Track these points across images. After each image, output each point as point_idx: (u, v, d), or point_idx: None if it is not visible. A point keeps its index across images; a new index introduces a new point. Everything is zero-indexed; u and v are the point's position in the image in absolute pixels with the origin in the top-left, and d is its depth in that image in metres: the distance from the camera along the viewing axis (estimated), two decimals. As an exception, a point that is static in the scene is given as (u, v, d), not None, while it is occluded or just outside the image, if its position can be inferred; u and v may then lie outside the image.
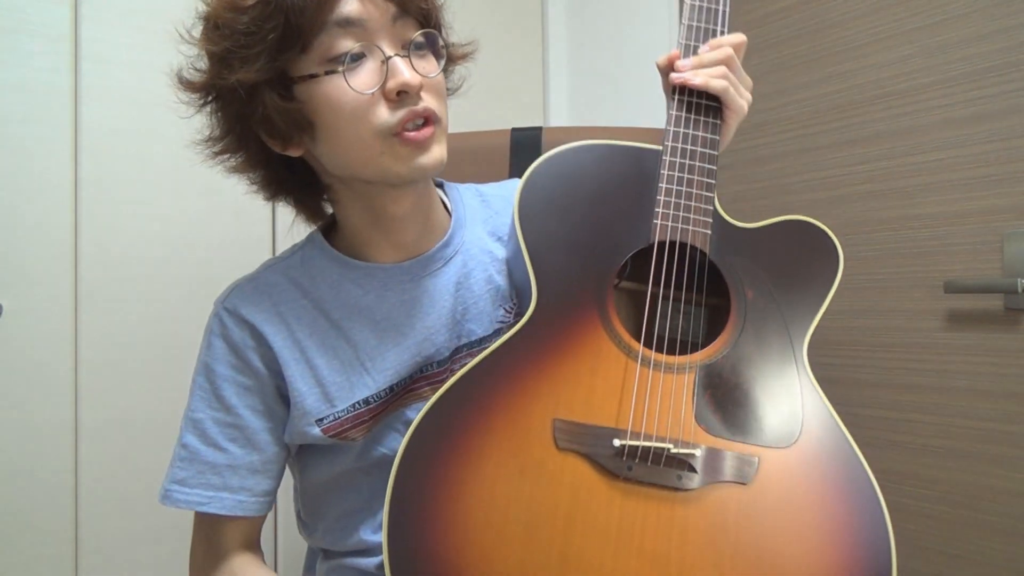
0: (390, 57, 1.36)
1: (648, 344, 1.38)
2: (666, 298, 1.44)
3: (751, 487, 1.26)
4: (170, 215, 2.45)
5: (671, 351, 1.38)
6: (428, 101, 1.39)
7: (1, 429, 2.19)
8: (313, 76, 1.36)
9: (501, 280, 1.61)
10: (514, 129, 2.18)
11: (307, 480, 1.64)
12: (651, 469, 1.26)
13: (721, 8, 1.52)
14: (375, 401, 1.51)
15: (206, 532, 1.54)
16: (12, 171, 2.21)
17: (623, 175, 1.47)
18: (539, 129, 2.18)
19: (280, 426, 1.53)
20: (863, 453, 1.30)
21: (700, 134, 1.46)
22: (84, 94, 2.32)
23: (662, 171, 1.44)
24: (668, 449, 1.26)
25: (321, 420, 1.49)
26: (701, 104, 1.47)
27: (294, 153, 1.46)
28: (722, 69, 1.46)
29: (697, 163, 1.44)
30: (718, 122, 1.48)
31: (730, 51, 1.48)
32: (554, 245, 1.43)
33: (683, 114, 1.47)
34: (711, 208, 1.43)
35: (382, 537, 1.23)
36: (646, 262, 1.42)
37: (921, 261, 2.33)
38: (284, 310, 1.51)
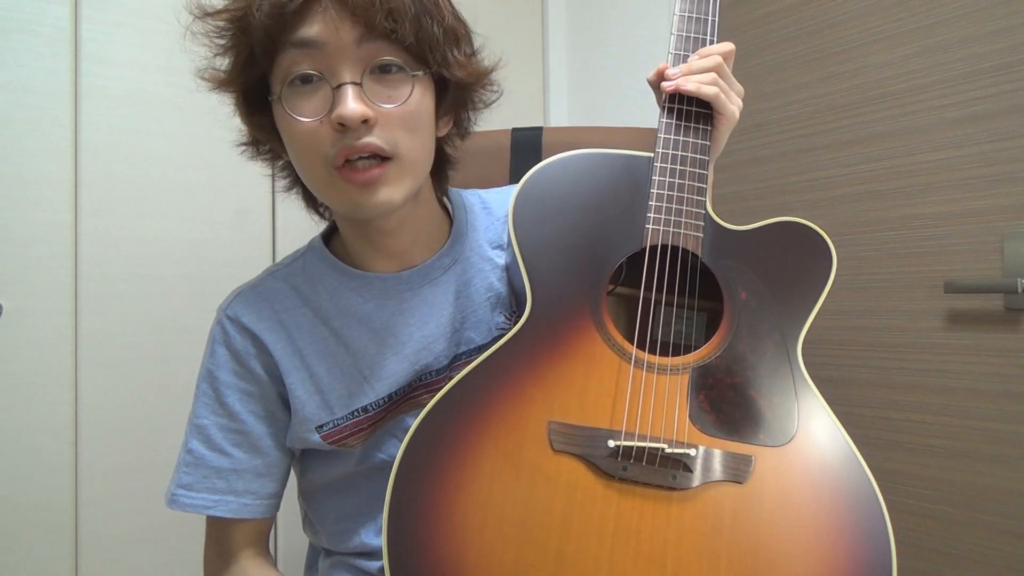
0: (340, 85, 1.30)
1: (641, 347, 1.37)
2: (659, 301, 1.44)
3: (747, 486, 1.26)
4: (170, 215, 2.45)
5: (665, 353, 1.38)
6: (379, 135, 1.32)
7: (1, 429, 2.19)
8: (277, 94, 1.35)
9: (502, 287, 1.60)
10: (514, 129, 2.19)
11: (308, 482, 1.65)
12: (646, 469, 1.26)
13: (710, 18, 1.52)
14: (374, 409, 1.51)
15: (216, 535, 1.56)
16: (12, 171, 2.21)
17: (615, 182, 1.47)
18: (539, 129, 2.18)
19: (283, 431, 1.55)
20: (863, 453, 1.30)
21: (691, 140, 1.46)
22: (84, 94, 2.32)
23: (653, 177, 1.44)
24: (663, 449, 1.26)
25: (321, 427, 1.51)
26: (692, 111, 1.47)
27: (286, 158, 1.47)
28: (712, 76, 1.45)
29: (688, 168, 1.45)
30: (709, 128, 1.48)
31: (719, 59, 1.47)
32: (548, 251, 1.43)
33: (674, 121, 1.47)
34: (703, 212, 1.43)
35: (382, 541, 1.22)
36: (640, 267, 1.42)
37: (921, 261, 2.33)
38: (285, 318, 1.52)
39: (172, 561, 2.42)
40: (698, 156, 1.45)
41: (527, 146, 2.14)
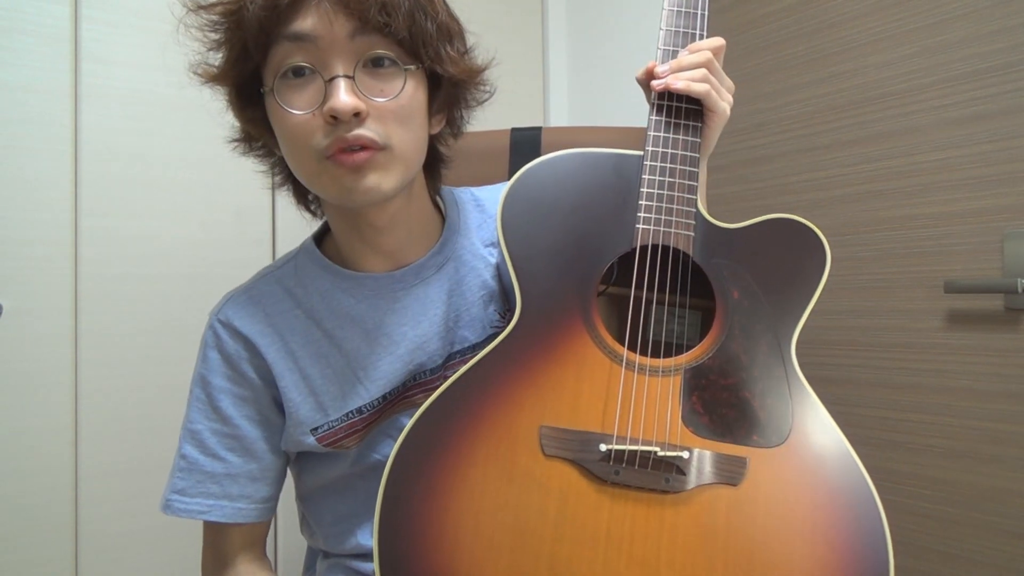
0: (333, 78, 1.30)
1: (633, 348, 1.36)
2: (651, 301, 1.42)
3: (740, 488, 1.25)
4: (170, 215, 2.45)
5: (657, 355, 1.36)
6: (369, 128, 1.32)
7: (1, 429, 2.19)
8: (270, 87, 1.34)
9: (495, 284, 1.59)
10: (514, 129, 2.18)
11: (305, 485, 1.65)
12: (639, 473, 1.25)
13: (699, 12, 1.51)
14: (368, 410, 1.51)
15: (212, 540, 1.56)
16: (12, 171, 2.21)
17: (605, 181, 1.45)
18: (539, 129, 2.17)
19: (277, 434, 1.54)
20: (862, 453, 1.29)
21: (681, 138, 1.44)
22: (84, 94, 2.32)
23: (643, 176, 1.42)
24: (655, 452, 1.25)
25: (316, 429, 1.50)
26: (682, 109, 1.46)
27: (279, 153, 1.46)
28: (702, 72, 1.43)
29: (678, 167, 1.43)
30: (699, 126, 1.46)
31: (709, 54, 1.45)
32: (537, 253, 1.41)
33: (664, 119, 1.46)
34: (693, 210, 1.42)
35: (373, 549, 1.22)
36: (631, 267, 1.41)
37: (921, 261, 2.32)
38: (278, 321, 1.51)
39: (172, 561, 2.42)
40: (689, 154, 1.44)
41: (526, 146, 2.13)
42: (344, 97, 1.28)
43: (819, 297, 1.40)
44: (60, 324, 2.28)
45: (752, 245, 1.43)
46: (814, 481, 1.27)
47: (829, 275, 1.41)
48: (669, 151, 1.43)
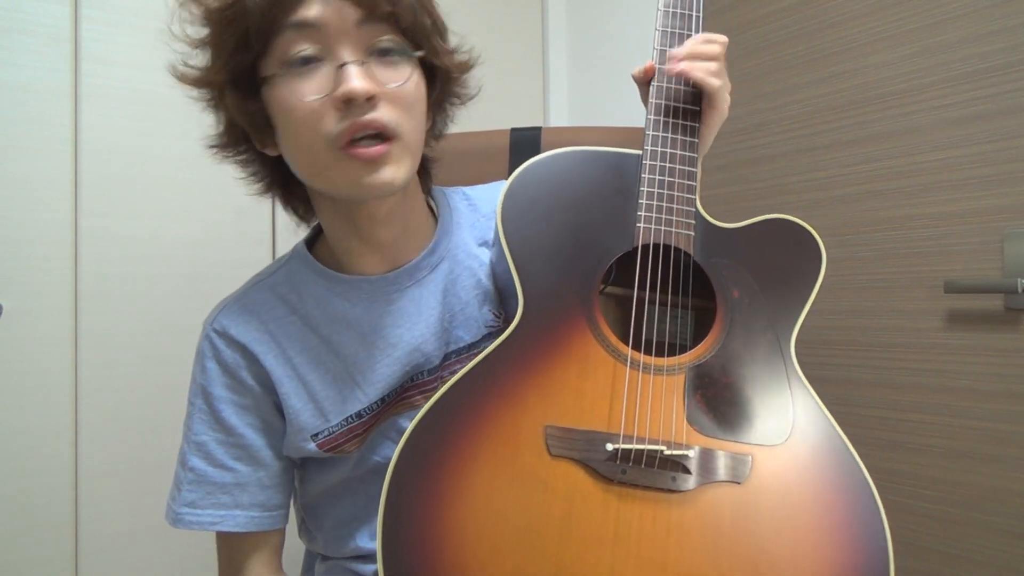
0: (344, 64, 1.29)
1: (636, 347, 1.36)
2: (652, 301, 1.42)
3: (745, 486, 1.25)
4: (170, 215, 2.44)
5: (660, 353, 1.36)
6: (383, 113, 1.31)
7: (1, 429, 2.18)
8: (273, 77, 1.32)
9: (489, 284, 1.58)
10: (513, 129, 2.17)
11: (305, 489, 1.64)
12: (645, 472, 1.24)
13: (695, 14, 1.50)
14: (367, 414, 1.50)
15: (227, 552, 1.54)
16: (12, 171, 2.21)
17: (605, 180, 1.45)
18: (538, 129, 2.16)
19: (281, 440, 1.53)
20: (863, 453, 1.29)
21: (679, 137, 1.44)
22: (84, 94, 2.31)
23: (643, 175, 1.42)
24: (661, 451, 1.24)
25: (316, 435, 1.49)
26: (679, 108, 1.45)
27: (271, 152, 1.44)
28: (718, 66, 1.43)
29: (677, 166, 1.43)
30: (696, 126, 1.46)
31: (721, 49, 1.45)
32: (539, 251, 1.40)
33: (661, 118, 1.45)
34: (693, 210, 1.42)
35: (377, 552, 1.20)
36: (631, 266, 1.41)
37: (921, 261, 2.32)
38: (273, 328, 1.49)
39: (172, 561, 2.41)
40: (687, 154, 1.44)
41: (526, 146, 2.12)
42: (358, 80, 1.27)
43: (817, 296, 1.40)
44: (60, 324, 2.27)
45: (750, 245, 1.43)
46: (816, 478, 1.27)
47: (828, 275, 1.43)
48: (668, 150, 1.43)
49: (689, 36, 1.48)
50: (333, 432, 1.49)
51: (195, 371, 1.51)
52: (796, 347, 1.36)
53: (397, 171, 1.34)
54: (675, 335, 1.47)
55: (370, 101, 1.29)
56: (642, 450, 1.25)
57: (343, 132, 1.29)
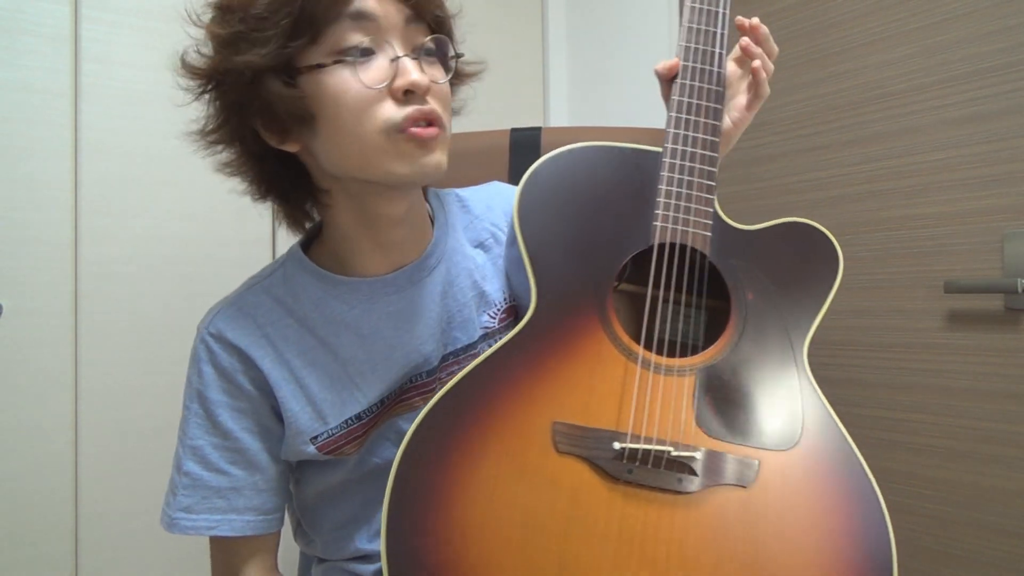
0: (400, 56, 1.33)
1: (648, 347, 1.35)
2: (666, 300, 1.41)
3: (751, 490, 1.24)
4: (170, 215, 2.44)
5: (671, 353, 1.35)
6: (434, 105, 1.35)
7: (1, 429, 2.17)
8: (320, 66, 1.32)
9: (485, 286, 1.58)
10: (513, 130, 2.17)
11: (302, 492, 1.63)
12: (651, 472, 1.23)
13: (721, 10, 1.50)
14: (367, 416, 1.50)
15: (223, 556, 1.54)
16: (12, 171, 2.20)
17: (623, 177, 1.44)
18: (538, 129, 2.16)
19: (278, 444, 1.52)
20: (863, 453, 1.28)
21: (700, 136, 1.44)
22: (84, 94, 2.30)
23: (662, 173, 1.42)
24: (669, 452, 1.24)
25: (315, 438, 1.48)
26: (703, 106, 1.45)
27: (291, 148, 1.41)
28: (771, 68, 1.49)
29: (697, 165, 1.42)
30: (718, 124, 1.46)
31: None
32: (554, 247, 1.40)
33: (684, 116, 1.45)
34: (711, 210, 1.41)
35: (380, 544, 1.20)
36: (646, 264, 1.40)
37: (921, 261, 2.32)
38: (270, 331, 1.48)
39: (172, 561, 2.40)
40: (708, 153, 1.43)
41: (526, 146, 2.12)
42: (419, 73, 1.33)
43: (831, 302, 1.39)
44: (60, 324, 2.26)
45: (767, 247, 1.43)
46: (822, 485, 1.26)
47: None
48: (688, 149, 1.43)
49: (715, 33, 1.49)
50: (332, 434, 1.48)
51: (190, 375, 1.50)
52: (808, 352, 1.36)
53: (443, 157, 1.39)
54: (688, 335, 1.46)
55: (426, 94, 1.34)
56: (649, 450, 1.24)
57: (406, 118, 1.32)
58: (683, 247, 1.40)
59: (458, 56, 1.44)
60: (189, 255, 2.46)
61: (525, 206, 1.42)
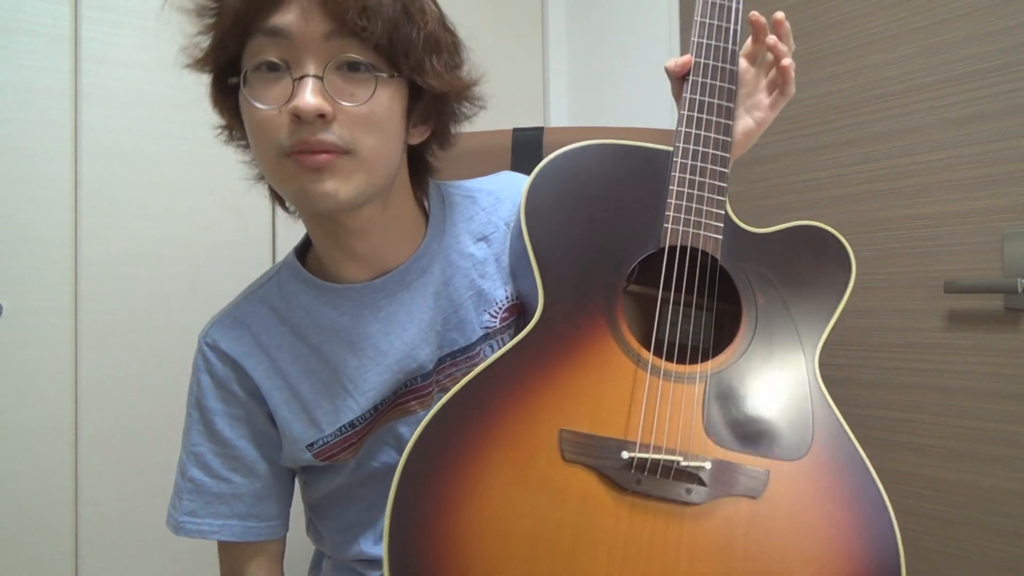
0: (300, 77, 1.22)
1: (657, 349, 1.31)
2: (676, 305, 1.37)
3: (761, 501, 1.21)
4: (170, 215, 2.41)
5: (681, 358, 1.31)
6: (336, 132, 1.24)
7: (1, 429, 2.16)
8: (243, 78, 1.28)
9: (484, 284, 1.52)
10: (516, 129, 2.15)
11: (309, 493, 1.63)
12: (660, 482, 1.20)
13: (735, 5, 1.45)
14: (360, 423, 1.47)
15: (227, 561, 1.55)
16: (12, 171, 2.18)
17: (633, 176, 1.39)
18: (540, 130, 2.14)
19: (276, 451, 1.52)
20: (862, 453, 1.24)
21: (712, 135, 1.39)
22: (84, 94, 2.28)
23: (673, 173, 1.37)
24: (678, 462, 1.20)
25: (311, 445, 1.47)
26: (715, 105, 1.40)
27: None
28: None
29: (709, 165, 1.37)
30: (731, 123, 1.41)
31: None
32: (562, 248, 1.35)
33: (695, 115, 1.40)
34: (723, 212, 1.36)
35: (383, 552, 1.17)
36: (655, 265, 1.36)
37: (921, 261, 2.29)
38: (265, 340, 1.47)
39: (172, 561, 2.39)
40: (720, 153, 1.38)
41: (528, 146, 2.09)
42: (309, 97, 1.21)
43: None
44: (60, 324, 2.25)
45: (779, 251, 1.38)
46: (832, 497, 1.23)
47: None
48: (701, 149, 1.38)
49: (728, 28, 1.44)
50: (327, 442, 1.46)
51: (191, 383, 1.51)
52: (820, 359, 1.32)
53: (340, 185, 1.27)
54: (697, 341, 1.42)
55: (323, 119, 1.23)
56: (658, 460, 1.21)
57: (291, 146, 1.24)
58: (693, 250, 1.35)
59: (394, 75, 1.30)
60: (189, 255, 2.44)
61: (532, 204, 1.37)
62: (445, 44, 1.37)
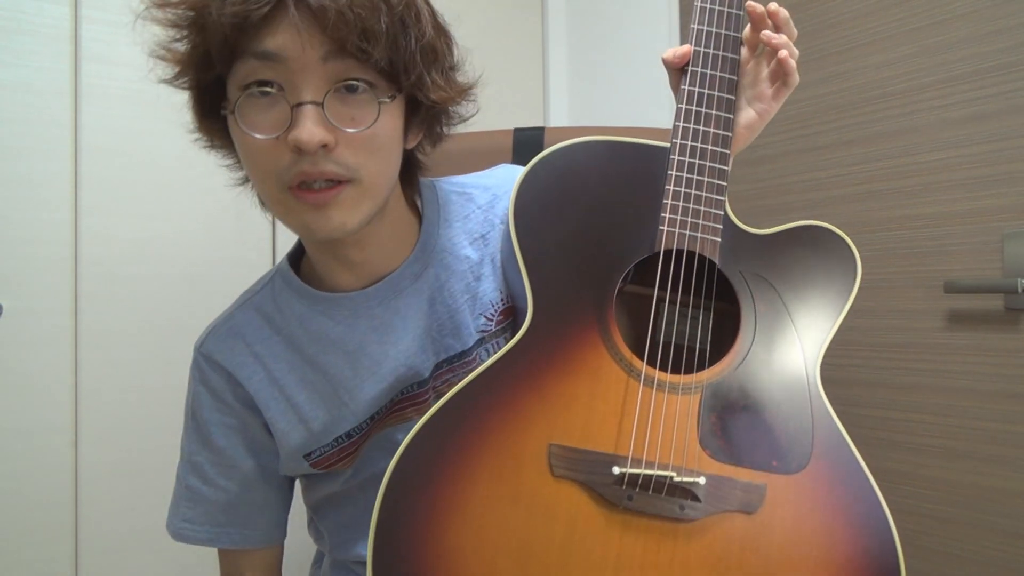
0: (299, 104, 1.14)
1: (652, 358, 1.23)
2: (671, 312, 1.29)
3: (757, 516, 1.13)
4: (170, 215, 2.38)
5: (676, 368, 1.23)
6: (337, 160, 1.17)
7: (1, 429, 2.13)
8: (233, 100, 1.19)
9: (480, 286, 1.45)
10: (517, 129, 2.09)
11: (310, 496, 1.60)
12: (652, 499, 1.13)
13: None
14: (357, 433, 1.43)
15: (227, 566, 1.55)
16: (12, 171, 2.14)
17: (628, 175, 1.29)
18: (541, 129, 2.08)
19: (274, 460, 1.48)
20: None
21: (712, 131, 1.28)
22: (84, 94, 2.24)
23: (670, 172, 1.27)
24: (671, 477, 1.13)
25: (309, 455, 1.44)
26: (715, 97, 1.30)
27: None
28: (795, 51, 1.31)
29: (708, 163, 1.27)
30: (731, 117, 1.30)
31: None
32: (552, 252, 1.26)
33: (694, 108, 1.30)
34: (722, 213, 1.26)
35: (367, 569, 1.13)
36: (650, 266, 1.27)
37: (921, 261, 2.25)
38: (259, 350, 1.42)
39: (172, 561, 2.35)
40: (719, 149, 1.28)
41: (530, 146, 2.04)
42: (311, 128, 1.13)
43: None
44: (60, 324, 2.21)
45: (781, 254, 1.29)
46: (832, 512, 1.16)
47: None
48: (699, 145, 1.27)
49: (732, 14, 1.33)
50: (325, 452, 1.43)
51: (188, 392, 1.49)
52: (821, 368, 1.24)
53: (348, 215, 1.21)
54: (694, 349, 1.33)
55: (325, 148, 1.15)
56: (650, 475, 1.13)
57: (292, 177, 1.16)
58: (690, 254, 1.26)
59: (396, 95, 1.23)
60: (189, 255, 2.41)
61: (522, 204, 1.28)
62: (442, 51, 1.29)
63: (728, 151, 1.28)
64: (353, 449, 1.43)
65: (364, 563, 1.45)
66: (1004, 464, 2.08)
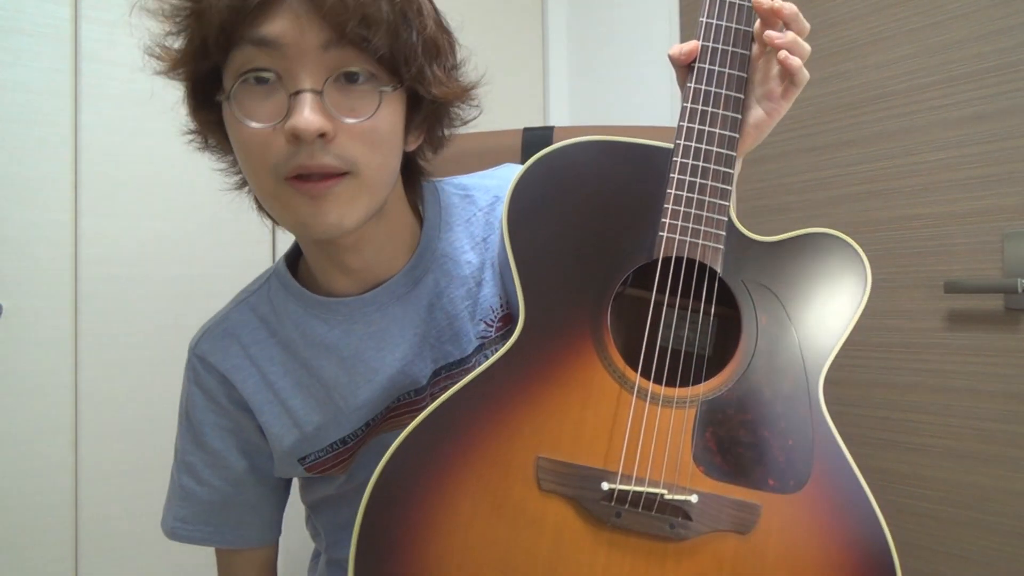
0: (298, 92, 1.07)
1: (646, 374, 1.14)
2: (668, 322, 1.20)
3: (750, 538, 1.06)
4: (170, 215, 2.33)
5: (671, 381, 1.15)
6: (336, 151, 1.10)
7: (1, 429, 2.08)
8: (229, 90, 1.12)
9: (481, 292, 1.38)
10: (526, 129, 2.04)
11: (307, 495, 1.58)
12: (642, 516, 1.05)
13: None
14: (352, 440, 1.38)
15: (223, 565, 1.53)
16: (12, 171, 2.09)
17: (629, 177, 1.20)
18: (551, 129, 2.03)
19: (268, 461, 1.44)
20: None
21: (718, 132, 1.18)
22: (84, 94, 2.19)
23: (671, 174, 1.17)
24: (662, 495, 1.05)
25: (303, 460, 1.39)
26: (723, 96, 1.20)
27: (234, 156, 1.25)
28: (808, 51, 1.20)
29: (712, 166, 1.17)
30: (738, 117, 1.20)
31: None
32: (546, 257, 1.17)
33: (700, 107, 1.19)
34: (725, 219, 1.17)
35: (348, 572, 1.07)
36: (649, 271, 1.18)
37: (921, 261, 2.21)
38: (254, 352, 1.37)
39: (172, 561, 2.32)
40: (725, 152, 1.17)
41: (539, 147, 1.95)
42: (309, 116, 1.06)
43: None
44: (60, 324, 2.16)
45: (786, 263, 1.18)
46: (830, 535, 1.08)
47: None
48: (704, 146, 1.17)
49: (744, 7, 1.22)
50: (319, 457, 1.38)
51: (182, 392, 1.47)
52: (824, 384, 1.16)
53: (345, 212, 1.14)
54: (691, 361, 1.24)
55: (322, 138, 1.08)
56: (640, 492, 1.06)
57: (289, 170, 1.09)
58: (691, 261, 1.17)
59: (397, 86, 1.16)
60: (189, 255, 2.36)
61: (516, 207, 1.19)
62: (443, 47, 1.23)
63: (733, 153, 1.18)
64: (348, 455, 1.39)
65: (355, 565, 1.42)
66: (1004, 464, 2.06)
